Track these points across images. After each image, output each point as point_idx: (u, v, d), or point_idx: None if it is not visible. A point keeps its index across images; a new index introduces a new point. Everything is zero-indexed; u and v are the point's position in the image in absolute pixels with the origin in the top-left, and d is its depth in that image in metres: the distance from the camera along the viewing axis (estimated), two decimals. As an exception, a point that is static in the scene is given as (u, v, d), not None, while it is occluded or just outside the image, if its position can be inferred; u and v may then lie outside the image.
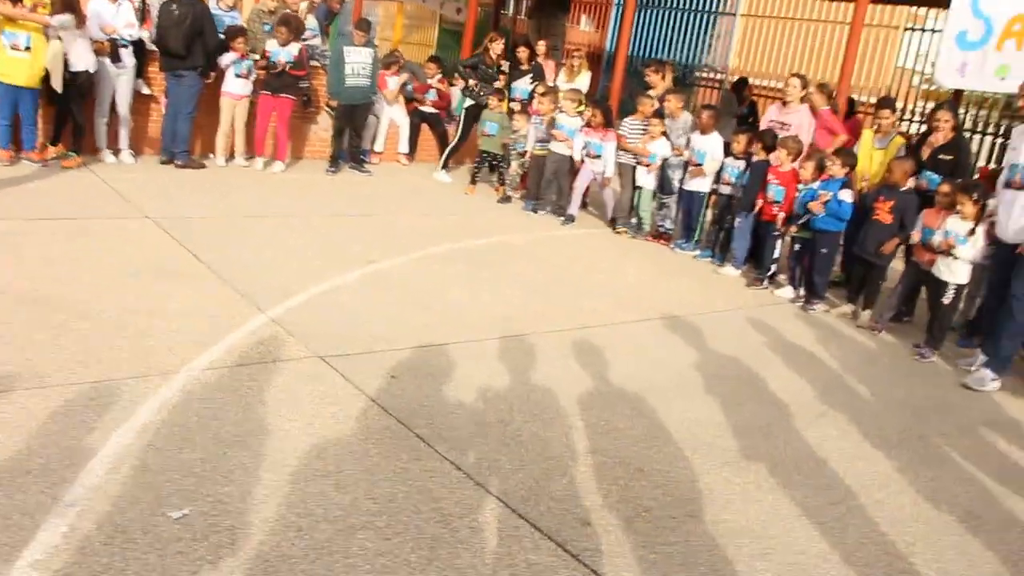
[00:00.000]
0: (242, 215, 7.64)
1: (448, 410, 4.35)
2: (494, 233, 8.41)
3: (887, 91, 13.91)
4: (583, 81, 10.80)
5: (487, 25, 16.96)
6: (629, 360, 5.47)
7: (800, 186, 7.48)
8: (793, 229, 7.52)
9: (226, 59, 9.27)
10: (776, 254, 7.84)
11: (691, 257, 8.57)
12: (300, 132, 10.77)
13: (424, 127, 11.76)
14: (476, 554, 3.19)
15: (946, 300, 6.47)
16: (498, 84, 10.71)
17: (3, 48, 7.64)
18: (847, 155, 7.39)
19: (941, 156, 7.24)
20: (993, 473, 4.63)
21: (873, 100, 11.52)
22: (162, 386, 4.15)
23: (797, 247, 7.61)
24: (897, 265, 7.46)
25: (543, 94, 9.54)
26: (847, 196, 7.12)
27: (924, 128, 9.12)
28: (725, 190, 8.27)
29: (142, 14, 9.32)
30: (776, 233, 7.73)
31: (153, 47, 9.16)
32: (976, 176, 8.50)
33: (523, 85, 11.11)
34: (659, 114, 8.87)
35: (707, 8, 18.65)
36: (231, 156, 9.82)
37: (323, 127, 10.93)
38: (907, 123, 13.10)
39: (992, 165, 10.89)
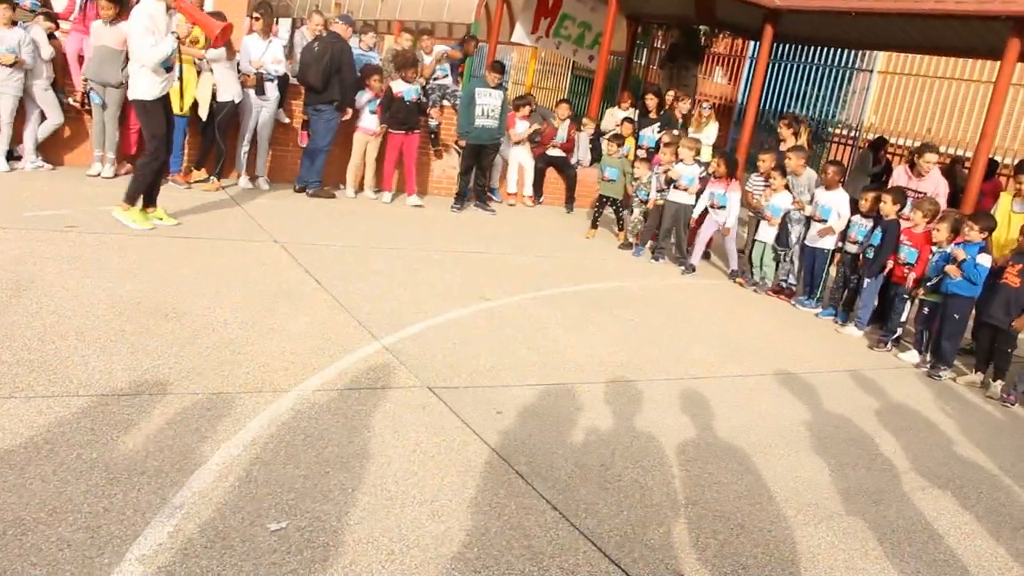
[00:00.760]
0: (366, 245, 7.87)
1: (550, 449, 4.34)
2: (611, 278, 8.39)
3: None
4: (710, 132, 10.75)
5: (619, 73, 17.09)
6: (737, 413, 5.34)
7: (934, 248, 7.20)
8: (921, 292, 7.23)
9: (363, 97, 9.65)
10: (904, 317, 7.54)
11: (813, 314, 8.33)
12: (427, 169, 11.06)
13: (550, 170, 11.87)
14: (564, 595, 3.15)
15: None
16: (619, 131, 10.75)
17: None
18: (985, 218, 7.08)
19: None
20: None
21: (1016, 162, 11.03)
22: (274, 403, 4.29)
23: (926, 311, 7.31)
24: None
25: (666, 144, 9.53)
26: (985, 260, 6.80)
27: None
28: (851, 248, 8.03)
29: (289, 50, 9.82)
30: (906, 296, 7.45)
31: (295, 81, 9.62)
32: None
33: (650, 133, 11.14)
34: (782, 168, 8.73)
35: (843, 64, 18.26)
36: (360, 188, 10.17)
37: (450, 164, 11.19)
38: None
39: None
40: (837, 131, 18.28)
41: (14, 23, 8.45)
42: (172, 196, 8.21)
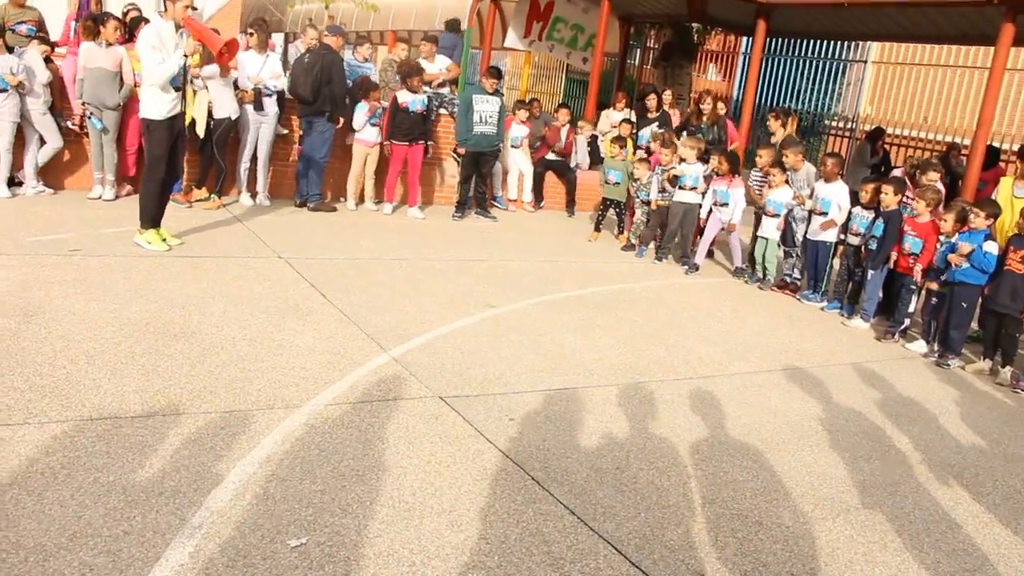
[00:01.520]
0: (370, 257, 7.88)
1: (564, 454, 4.34)
2: (615, 280, 8.40)
3: (1031, 140, 13.30)
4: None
5: (613, 75, 17.12)
6: (749, 410, 5.34)
7: (942, 239, 7.21)
8: (934, 285, 7.24)
9: (360, 110, 9.66)
10: (911, 308, 7.54)
11: (818, 309, 8.34)
12: (428, 178, 11.07)
13: (550, 175, 11.88)
14: (587, 599, 3.15)
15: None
16: (619, 132, 10.76)
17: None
18: (990, 205, 7.08)
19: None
20: None
21: (1016, 148, 11.04)
22: (287, 419, 4.30)
23: (934, 300, 7.31)
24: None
25: (663, 145, 9.53)
26: (992, 248, 6.80)
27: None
28: (853, 240, 8.04)
29: (283, 65, 9.85)
30: (912, 286, 7.45)
31: (288, 95, 9.64)
32: None
33: (649, 134, 11.15)
34: (780, 163, 8.74)
35: (837, 56, 18.29)
36: (361, 200, 10.18)
37: (450, 173, 11.21)
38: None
39: None
40: (834, 123, 18.31)
41: (9, 49, 8.48)
42: (174, 215, 8.22)
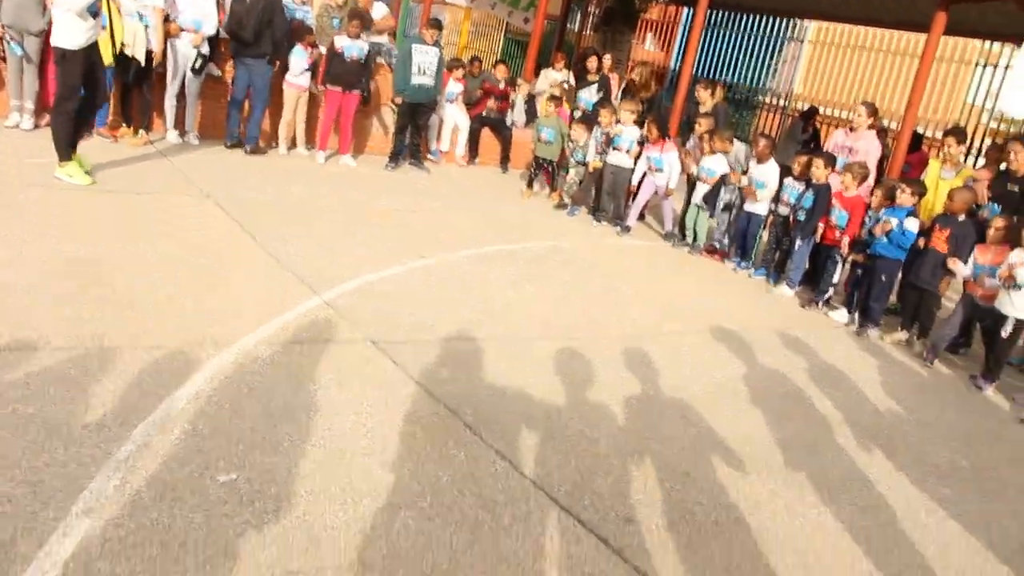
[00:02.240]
0: (301, 203, 7.73)
1: (495, 401, 4.35)
2: (547, 238, 8.41)
3: (956, 125, 13.68)
4: None
5: (553, 37, 17.03)
6: (677, 369, 5.43)
7: (870, 212, 7.41)
8: (859, 258, 7.43)
9: (295, 54, 9.41)
10: (835, 278, 7.74)
11: (746, 275, 8.49)
12: (362, 127, 10.88)
13: (485, 131, 11.80)
14: (518, 541, 3.18)
15: (1004, 334, 6.32)
16: (554, 92, 10.71)
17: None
18: (917, 184, 7.29)
19: (1011, 188, 7.10)
20: (1047, 510, 4.52)
21: (939, 135, 11.34)
22: (216, 357, 4.21)
23: (858, 272, 7.52)
24: (954, 293, 7.33)
25: (604, 108, 9.54)
26: (912, 225, 7.01)
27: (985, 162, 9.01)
28: (783, 211, 8.19)
29: (217, 3, 9.51)
30: (836, 257, 7.64)
31: (224, 34, 9.33)
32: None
33: (588, 96, 11.15)
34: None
35: (773, 32, 18.52)
36: (292, 146, 9.96)
37: (386, 123, 11.03)
38: (974, 159, 12.85)
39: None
40: (767, 99, 18.57)
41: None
42: (100, 150, 7.93)
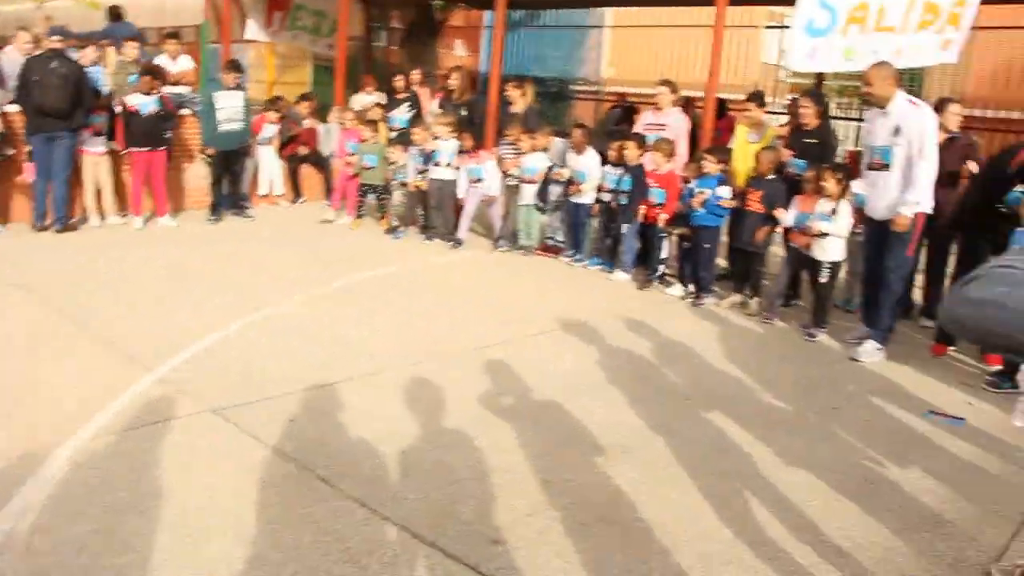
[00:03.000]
0: (123, 276, 7.38)
1: (349, 447, 4.29)
2: (383, 265, 8.35)
3: (755, 87, 14.39)
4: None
5: (359, 59, 16.91)
6: (528, 373, 5.49)
7: (683, 186, 7.71)
8: (685, 231, 7.70)
9: (95, 120, 9.01)
10: (664, 254, 8.02)
11: (582, 267, 8.68)
12: (176, 184, 10.50)
13: (305, 167, 11.61)
14: (387, 589, 3.14)
15: (823, 279, 6.72)
16: (372, 116, 10.66)
17: None
18: (720, 151, 7.64)
19: (806, 141, 7.53)
20: (883, 439, 4.83)
21: (744, 98, 11.90)
22: (46, 461, 3.97)
23: (685, 245, 7.80)
24: (780, 251, 7.71)
25: (417, 125, 9.58)
26: (724, 191, 7.34)
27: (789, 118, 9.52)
28: (606, 197, 8.41)
29: None
30: (661, 234, 7.92)
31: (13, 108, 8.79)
32: (845, 159, 8.93)
33: (400, 115, 11.14)
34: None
35: (575, 23, 19.01)
36: (104, 216, 9.51)
37: (201, 176, 10.68)
38: (777, 116, 13.55)
39: (858, 148, 11.36)
40: (580, 88, 19.06)
41: None
42: None
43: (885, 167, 6.20)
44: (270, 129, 10.89)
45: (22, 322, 6.00)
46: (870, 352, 6.29)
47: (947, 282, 6.95)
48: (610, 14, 19.52)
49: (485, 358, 5.74)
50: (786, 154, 7.65)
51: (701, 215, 7.40)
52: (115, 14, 12.60)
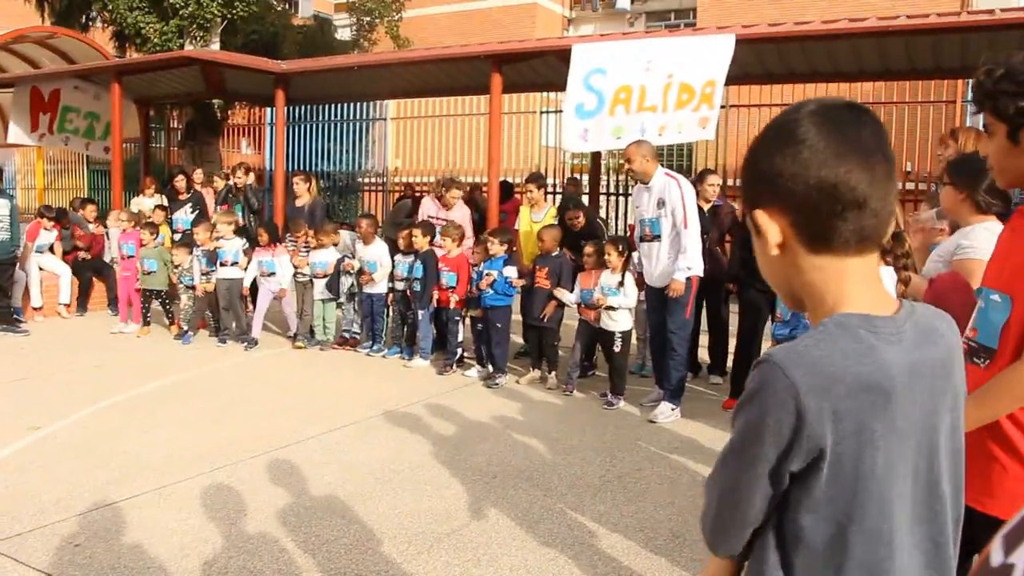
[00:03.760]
0: None
1: (143, 566, 4.01)
2: (174, 371, 7.99)
3: (537, 169, 15.04)
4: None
5: (138, 160, 16.35)
6: (330, 469, 5.37)
7: (473, 271, 7.91)
8: (477, 312, 7.83)
9: None
10: (460, 337, 8.14)
11: (381, 357, 8.65)
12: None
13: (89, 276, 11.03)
14: None
15: (616, 348, 7.02)
16: (154, 218, 10.31)
17: None
18: (503, 233, 7.91)
19: (582, 242, 7.86)
20: (686, 493, 5.05)
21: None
22: None
23: (479, 327, 7.94)
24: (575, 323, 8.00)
25: (199, 226, 9.36)
26: (511, 272, 7.59)
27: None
28: (399, 285, 8.48)
29: None
30: (456, 317, 8.05)
31: None
32: (628, 233, 9.49)
33: (183, 215, 10.82)
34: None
35: (357, 116, 19.27)
36: None
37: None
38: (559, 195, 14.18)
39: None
40: (367, 180, 19.23)
41: None
42: None
43: (656, 238, 6.66)
44: (47, 236, 10.29)
45: None
46: (666, 413, 6.60)
47: (732, 340, 7.41)
48: (392, 106, 19.94)
49: (288, 457, 5.57)
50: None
51: (491, 296, 7.59)
52: None
